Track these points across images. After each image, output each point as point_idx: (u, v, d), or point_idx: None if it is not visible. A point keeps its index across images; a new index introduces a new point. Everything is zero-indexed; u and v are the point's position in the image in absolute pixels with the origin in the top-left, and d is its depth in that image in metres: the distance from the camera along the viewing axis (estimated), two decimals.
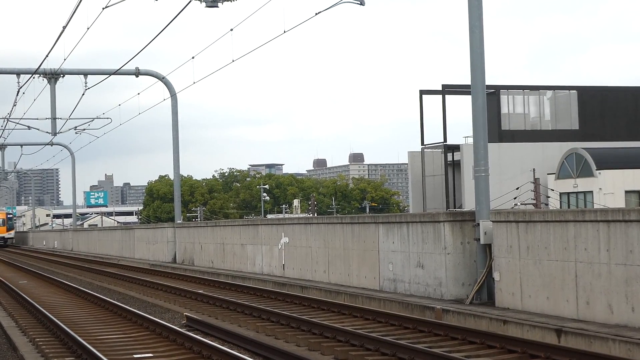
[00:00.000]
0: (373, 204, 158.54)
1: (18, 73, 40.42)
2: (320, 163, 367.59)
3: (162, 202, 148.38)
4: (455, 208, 52.12)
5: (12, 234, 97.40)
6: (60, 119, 46.61)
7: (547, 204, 53.82)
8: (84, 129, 52.95)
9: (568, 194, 55.39)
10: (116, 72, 41.20)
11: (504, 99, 57.52)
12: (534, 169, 54.97)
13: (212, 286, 26.94)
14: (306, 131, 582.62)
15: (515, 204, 49.33)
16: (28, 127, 53.79)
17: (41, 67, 38.89)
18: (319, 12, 22.45)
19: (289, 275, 27.00)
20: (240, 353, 13.28)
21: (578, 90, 59.19)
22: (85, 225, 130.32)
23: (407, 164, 65.58)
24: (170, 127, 44.36)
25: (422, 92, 57.12)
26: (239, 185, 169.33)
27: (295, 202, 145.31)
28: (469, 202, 50.35)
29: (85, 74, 41.09)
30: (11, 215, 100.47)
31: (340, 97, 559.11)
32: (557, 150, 56.37)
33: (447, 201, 55.22)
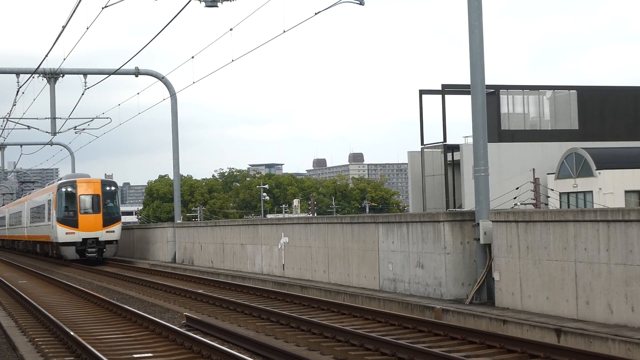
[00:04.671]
0: (373, 204, 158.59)
1: (18, 73, 40.42)
2: (320, 163, 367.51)
3: (161, 201, 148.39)
4: (455, 208, 52.11)
5: (115, 232, 43.75)
6: (60, 118, 46.60)
7: (546, 204, 53.83)
8: (84, 129, 52.93)
9: (568, 193, 55.38)
10: (116, 72, 41.19)
11: (503, 98, 57.51)
12: (533, 169, 54.98)
13: (211, 286, 26.93)
14: (306, 131, 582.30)
15: (515, 204, 49.33)
16: (28, 126, 53.77)
17: (41, 66, 38.88)
18: (318, 12, 22.46)
19: (288, 275, 27.00)
20: (240, 353, 13.28)
21: (578, 90, 59.18)
22: None
23: (407, 163, 65.62)
24: (170, 126, 44.37)
25: (422, 92, 57.12)
26: (238, 185, 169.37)
27: (295, 202, 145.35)
28: (468, 202, 50.34)
29: (85, 73, 41.10)
30: (114, 189, 44.83)
31: (340, 97, 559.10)
32: (557, 150, 56.37)
33: (446, 201, 55.22)
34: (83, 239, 42.57)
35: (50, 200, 44.82)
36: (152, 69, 44.15)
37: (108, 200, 43.64)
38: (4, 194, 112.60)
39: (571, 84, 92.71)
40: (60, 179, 46.28)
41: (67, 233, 42.53)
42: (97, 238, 42.73)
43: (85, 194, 43.08)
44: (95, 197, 43.11)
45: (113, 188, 44.28)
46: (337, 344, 14.33)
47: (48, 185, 51.99)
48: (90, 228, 42.64)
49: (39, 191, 53.81)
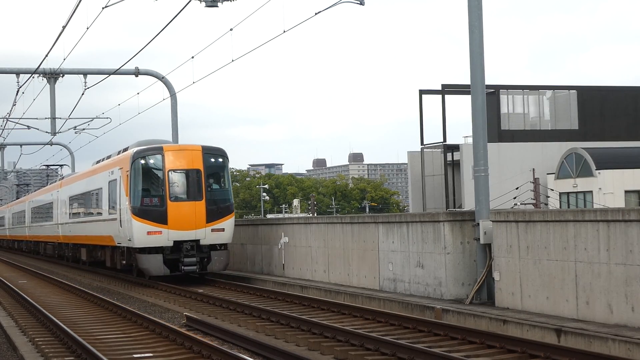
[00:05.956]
0: (373, 204, 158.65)
1: (17, 73, 40.40)
2: (319, 163, 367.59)
3: None
4: (455, 208, 52.12)
5: (225, 230, 27.31)
6: (60, 118, 46.51)
7: (546, 204, 53.82)
8: (84, 129, 52.86)
9: (568, 193, 55.39)
10: (116, 72, 41.18)
11: (503, 98, 57.54)
12: (533, 169, 54.99)
13: (211, 286, 26.89)
14: (306, 131, 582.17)
15: (515, 204, 49.32)
16: (28, 126, 53.68)
17: (41, 66, 38.88)
18: (318, 12, 22.43)
19: (288, 275, 26.99)
20: (240, 353, 13.29)
21: (578, 90, 59.21)
22: None
23: (406, 163, 65.63)
24: (170, 126, 44.35)
25: (422, 92, 57.14)
26: (238, 185, 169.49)
27: (295, 201, 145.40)
28: (468, 202, 50.35)
29: (85, 73, 41.05)
30: (221, 161, 28.08)
31: (340, 97, 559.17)
32: (557, 150, 56.39)
33: (446, 201, 55.23)
34: (175, 242, 26.64)
35: (116, 180, 29.03)
36: (152, 69, 44.12)
37: (213, 179, 27.77)
38: (18, 185, 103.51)
39: (571, 84, 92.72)
40: (127, 148, 30.31)
41: (149, 232, 26.57)
42: (198, 240, 26.85)
43: (177, 169, 27.02)
44: (193, 175, 27.03)
45: (221, 160, 27.96)
46: (337, 344, 14.33)
47: (106, 159, 33.85)
48: (187, 224, 26.69)
49: (88, 170, 37.25)
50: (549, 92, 59.33)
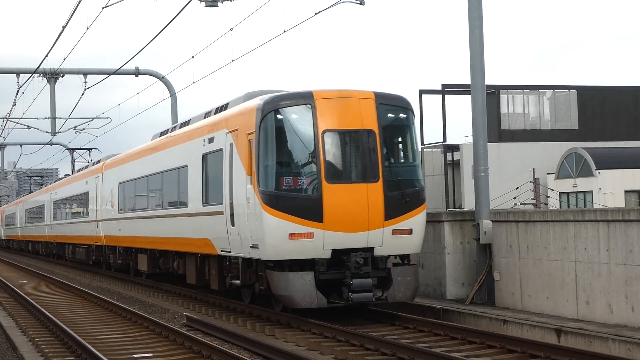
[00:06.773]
0: None
1: (18, 73, 40.40)
2: None
3: None
4: (455, 208, 52.11)
5: (413, 232, 16.14)
6: (60, 118, 46.50)
7: (546, 204, 53.81)
8: (84, 129, 52.86)
9: (568, 193, 55.35)
10: (116, 72, 41.15)
11: (503, 98, 57.50)
12: (533, 169, 54.96)
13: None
14: None
15: (515, 204, 49.31)
16: (28, 126, 53.69)
17: (41, 66, 38.88)
18: (318, 12, 22.41)
19: None
20: (239, 353, 13.30)
21: (578, 90, 59.19)
22: None
23: None
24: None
25: (422, 92, 57.10)
26: None
27: None
28: (468, 202, 50.33)
29: (85, 73, 41.04)
30: (403, 118, 16.80)
31: None
32: (557, 150, 56.36)
33: (446, 201, 55.22)
34: (334, 251, 16.12)
35: (220, 151, 18.67)
36: (152, 69, 44.11)
37: (393, 147, 17.25)
38: (30, 177, 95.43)
39: (571, 84, 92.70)
40: (225, 105, 19.91)
41: (292, 235, 16.00)
42: (372, 250, 16.26)
43: (338, 130, 16.46)
44: (364, 139, 16.42)
45: (403, 116, 17.21)
46: (337, 344, 14.33)
47: (182, 126, 23.57)
48: (354, 222, 16.15)
49: (153, 145, 26.11)
50: (549, 92, 59.31)
